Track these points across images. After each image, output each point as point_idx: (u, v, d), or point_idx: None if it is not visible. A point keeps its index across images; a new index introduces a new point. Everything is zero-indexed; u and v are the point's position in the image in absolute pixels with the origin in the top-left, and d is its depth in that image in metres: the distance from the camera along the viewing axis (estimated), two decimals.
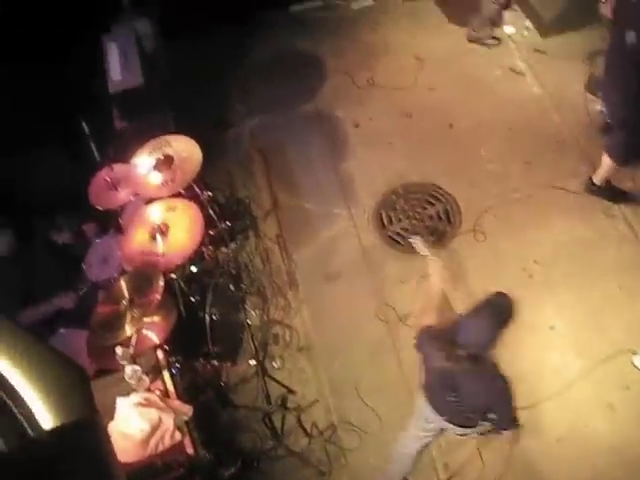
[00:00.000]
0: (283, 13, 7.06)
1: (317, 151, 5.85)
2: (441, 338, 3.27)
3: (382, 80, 6.32)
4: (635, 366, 4.48)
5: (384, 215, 5.44)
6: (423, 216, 5.39)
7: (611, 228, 5.18)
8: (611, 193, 5.29)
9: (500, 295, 3.28)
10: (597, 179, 5.25)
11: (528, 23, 6.73)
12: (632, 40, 4.17)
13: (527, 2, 6.72)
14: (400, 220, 5.40)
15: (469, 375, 3.18)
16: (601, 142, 5.18)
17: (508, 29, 6.71)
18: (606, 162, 5.03)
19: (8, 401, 0.85)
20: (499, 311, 3.18)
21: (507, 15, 6.76)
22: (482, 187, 5.44)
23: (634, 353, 4.51)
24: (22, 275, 4.26)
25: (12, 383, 0.88)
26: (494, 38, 6.57)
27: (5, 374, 0.89)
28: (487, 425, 3.44)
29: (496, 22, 6.57)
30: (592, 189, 5.31)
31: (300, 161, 5.80)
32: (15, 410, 0.84)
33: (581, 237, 5.13)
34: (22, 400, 0.87)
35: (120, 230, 4.47)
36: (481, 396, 3.25)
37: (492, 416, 3.30)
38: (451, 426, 3.52)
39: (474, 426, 3.50)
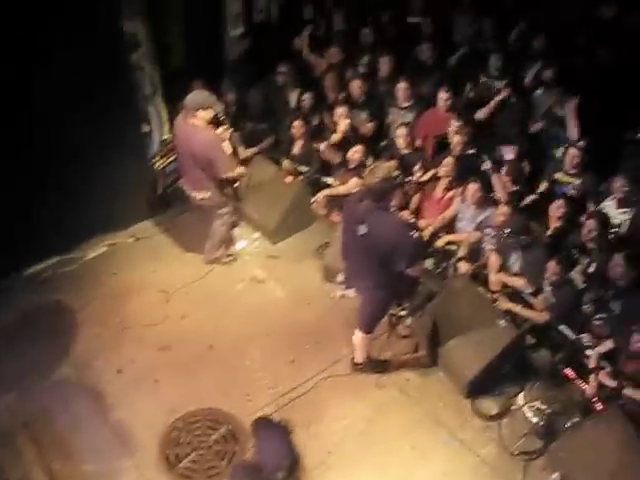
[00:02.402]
0: (21, 275, 7.02)
1: (85, 408, 5.76)
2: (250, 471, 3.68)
3: (134, 320, 6.53)
4: None
5: (170, 454, 5.38)
6: (210, 443, 5.43)
7: (386, 397, 5.74)
8: (375, 365, 5.91)
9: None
10: (358, 357, 5.76)
11: (257, 234, 7.51)
12: (363, 231, 4.98)
13: (250, 217, 7.44)
14: (188, 454, 5.37)
15: None
16: (351, 324, 5.75)
17: (241, 244, 7.45)
18: (358, 338, 5.65)
19: None
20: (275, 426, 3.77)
21: (237, 231, 7.42)
22: (257, 397, 5.74)
23: None
24: None
25: None
26: (230, 255, 7.19)
27: None
28: None
29: (228, 240, 7.12)
30: (358, 368, 5.85)
31: (70, 423, 5.64)
32: None
33: (364, 414, 5.61)
34: None
35: None
36: None
37: None
38: None
39: None
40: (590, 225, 6.02)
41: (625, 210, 6.38)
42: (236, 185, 6.78)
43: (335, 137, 7.63)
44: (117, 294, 6.83)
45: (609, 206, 6.46)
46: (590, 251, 6.05)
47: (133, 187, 7.43)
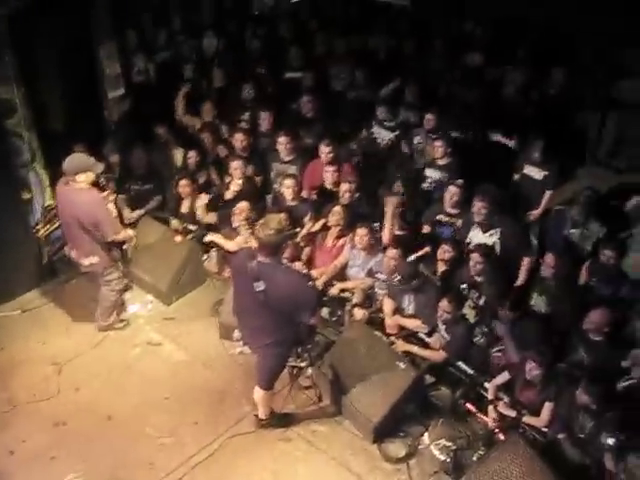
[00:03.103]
0: None
1: None
2: None
3: (24, 396, 6.21)
4: None
5: None
6: None
7: (294, 450, 5.67)
8: (280, 419, 5.85)
9: None
10: (262, 413, 5.72)
11: (150, 297, 7.37)
12: (261, 288, 4.89)
13: (142, 279, 7.28)
14: None
15: None
16: (252, 380, 5.68)
17: (133, 308, 7.26)
18: (259, 395, 5.58)
19: None
20: None
21: (128, 296, 7.25)
22: (162, 464, 5.53)
23: None
24: None
25: None
26: (123, 320, 7.00)
27: None
28: None
29: (120, 305, 6.94)
30: (262, 423, 5.80)
31: None
32: None
33: (272, 470, 5.51)
34: None
35: None
36: None
37: None
38: None
39: None
40: (475, 258, 6.27)
41: (491, 232, 6.69)
42: (124, 248, 6.66)
43: (229, 193, 7.64)
44: (4, 370, 6.48)
45: (475, 234, 6.77)
46: (479, 285, 6.28)
47: (16, 257, 7.17)
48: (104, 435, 5.79)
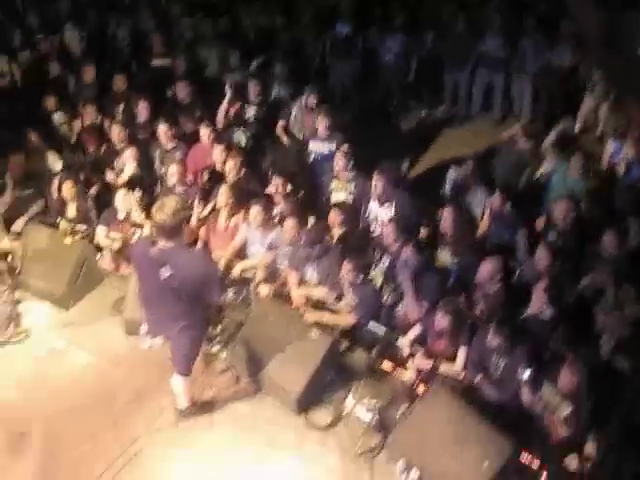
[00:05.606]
0: None
1: None
2: None
3: None
4: None
5: None
6: None
7: (220, 435, 5.43)
8: (201, 407, 5.60)
9: None
10: (182, 403, 5.48)
11: (46, 304, 6.85)
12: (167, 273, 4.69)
13: (36, 286, 6.85)
14: None
15: None
16: (165, 373, 5.42)
17: (30, 317, 6.69)
18: (177, 383, 5.33)
19: None
20: None
21: (23, 306, 6.76)
22: (88, 472, 5.19)
23: None
24: None
25: None
26: (21, 332, 6.50)
27: None
28: None
29: (15, 317, 6.54)
30: (184, 414, 5.51)
31: None
32: None
33: (203, 458, 5.25)
34: None
35: None
36: None
37: None
38: None
39: None
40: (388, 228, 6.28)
41: (387, 205, 6.71)
42: (9, 259, 6.21)
43: (121, 179, 7.33)
44: None
45: (374, 206, 6.79)
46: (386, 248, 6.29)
47: None
48: (19, 454, 5.37)
